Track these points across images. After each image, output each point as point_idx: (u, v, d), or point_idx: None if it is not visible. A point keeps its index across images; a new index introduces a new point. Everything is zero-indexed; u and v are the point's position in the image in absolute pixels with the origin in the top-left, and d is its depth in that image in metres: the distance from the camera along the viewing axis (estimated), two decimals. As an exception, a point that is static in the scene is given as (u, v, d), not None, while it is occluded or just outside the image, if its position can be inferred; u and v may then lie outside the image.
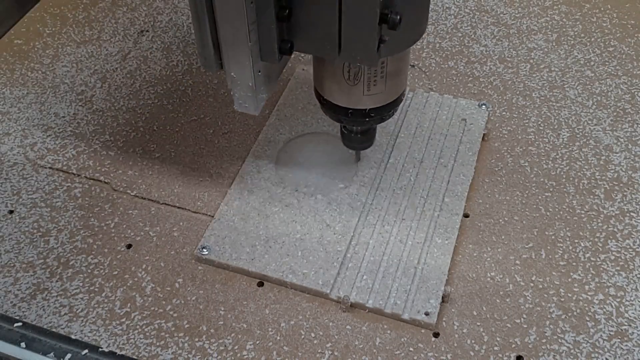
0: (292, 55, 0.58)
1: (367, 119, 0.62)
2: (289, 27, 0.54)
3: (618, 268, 0.64)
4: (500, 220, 0.68)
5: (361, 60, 0.53)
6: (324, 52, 0.55)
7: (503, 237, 0.66)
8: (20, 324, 0.60)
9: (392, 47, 0.54)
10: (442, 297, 0.61)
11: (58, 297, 0.63)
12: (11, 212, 0.70)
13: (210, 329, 0.60)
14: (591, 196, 0.69)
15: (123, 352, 0.59)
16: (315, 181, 0.70)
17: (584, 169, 0.72)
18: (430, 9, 0.56)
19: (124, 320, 0.61)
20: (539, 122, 0.77)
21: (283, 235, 0.66)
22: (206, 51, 0.57)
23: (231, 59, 0.56)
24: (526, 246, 0.66)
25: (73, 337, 0.60)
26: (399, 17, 0.50)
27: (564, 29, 0.88)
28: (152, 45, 0.88)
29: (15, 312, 0.62)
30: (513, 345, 0.59)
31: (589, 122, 0.77)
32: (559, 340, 0.59)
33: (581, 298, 0.62)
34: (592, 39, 0.87)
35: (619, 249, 0.65)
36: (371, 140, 0.68)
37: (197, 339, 0.60)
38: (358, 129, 0.65)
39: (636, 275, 0.63)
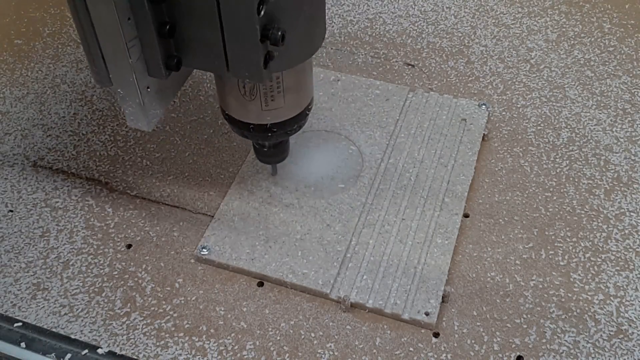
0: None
1: (270, 134, 0.60)
2: (176, 43, 0.53)
3: (618, 268, 0.64)
4: (500, 220, 0.68)
5: (249, 76, 0.52)
6: (213, 68, 0.54)
7: (503, 237, 0.66)
8: (20, 324, 0.60)
9: (283, 62, 0.53)
10: (442, 297, 0.61)
11: (58, 297, 0.63)
12: (11, 212, 0.70)
13: (210, 329, 0.60)
14: (591, 196, 0.69)
15: (123, 352, 0.59)
16: (315, 181, 0.70)
17: (584, 169, 0.72)
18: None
19: (124, 320, 0.61)
20: (539, 122, 0.77)
21: (283, 235, 0.66)
22: (97, 66, 0.54)
23: (116, 76, 0.54)
24: (526, 246, 0.66)
25: (73, 337, 0.60)
26: (280, 33, 0.49)
27: (564, 29, 0.88)
28: (152, 45, 0.88)
29: (15, 312, 0.62)
30: (513, 345, 0.59)
31: (589, 122, 0.77)
32: (559, 340, 0.59)
33: (581, 298, 0.62)
34: (592, 39, 0.87)
35: (619, 249, 0.65)
36: (285, 153, 0.66)
37: (197, 339, 0.60)
38: (268, 143, 0.64)
39: (636, 275, 0.63)
